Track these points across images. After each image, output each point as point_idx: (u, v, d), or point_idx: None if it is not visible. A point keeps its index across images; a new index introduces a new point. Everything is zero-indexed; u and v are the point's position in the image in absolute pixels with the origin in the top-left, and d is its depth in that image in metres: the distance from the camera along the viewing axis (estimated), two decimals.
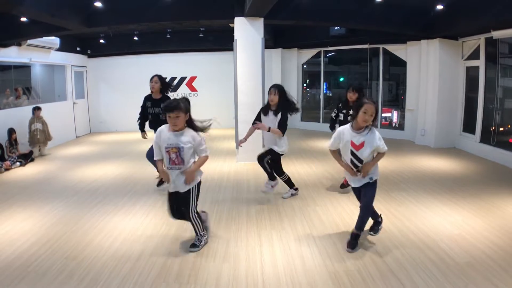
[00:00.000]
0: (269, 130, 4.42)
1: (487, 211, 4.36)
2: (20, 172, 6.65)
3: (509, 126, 7.14)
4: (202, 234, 3.56)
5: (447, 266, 3.11)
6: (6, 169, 6.70)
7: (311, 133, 10.41)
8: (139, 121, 5.34)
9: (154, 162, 5.14)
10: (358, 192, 3.54)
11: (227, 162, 7.18)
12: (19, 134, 7.48)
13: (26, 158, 7.24)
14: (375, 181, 3.45)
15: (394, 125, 10.07)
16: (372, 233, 3.73)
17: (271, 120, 4.48)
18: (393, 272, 3.04)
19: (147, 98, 5.22)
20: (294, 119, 11.34)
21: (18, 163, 6.98)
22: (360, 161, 3.35)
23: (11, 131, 7.23)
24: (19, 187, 5.74)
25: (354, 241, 3.46)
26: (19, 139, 7.42)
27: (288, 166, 5.87)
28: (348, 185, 5.07)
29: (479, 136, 7.53)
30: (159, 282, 2.97)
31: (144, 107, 5.25)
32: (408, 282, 2.90)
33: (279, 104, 4.43)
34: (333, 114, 5.23)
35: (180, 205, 3.44)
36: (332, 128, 5.13)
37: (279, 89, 4.42)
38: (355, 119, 3.33)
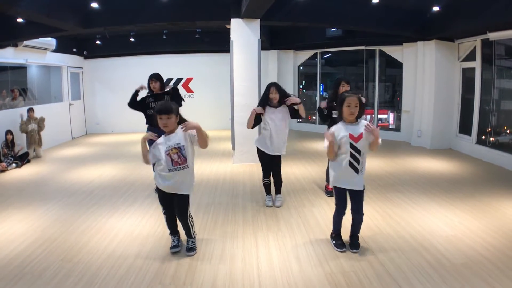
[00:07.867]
0: (300, 103, 4.44)
1: (483, 212, 4.38)
2: (16, 174, 6.62)
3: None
4: (195, 236, 3.59)
5: (444, 267, 3.13)
6: (2, 171, 6.67)
7: (307, 135, 10.42)
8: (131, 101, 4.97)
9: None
10: (346, 195, 3.49)
11: (223, 163, 7.17)
12: (16, 135, 7.44)
13: (22, 160, 7.21)
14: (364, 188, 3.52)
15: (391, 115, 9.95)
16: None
17: (280, 111, 4.47)
18: (389, 273, 3.05)
19: (148, 96, 4.95)
20: (291, 121, 11.33)
21: (14, 165, 6.95)
22: (359, 152, 3.29)
23: (7, 133, 7.20)
24: (15, 188, 5.72)
25: (357, 242, 3.52)
26: (15, 140, 7.38)
27: (285, 168, 5.87)
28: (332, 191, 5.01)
29: (475, 137, 7.57)
30: (155, 283, 2.97)
31: (141, 104, 4.96)
32: (405, 283, 2.91)
33: (280, 99, 4.47)
34: (325, 111, 4.79)
35: (179, 207, 3.42)
36: (325, 120, 4.79)
37: (277, 88, 4.45)
38: (341, 115, 3.33)
